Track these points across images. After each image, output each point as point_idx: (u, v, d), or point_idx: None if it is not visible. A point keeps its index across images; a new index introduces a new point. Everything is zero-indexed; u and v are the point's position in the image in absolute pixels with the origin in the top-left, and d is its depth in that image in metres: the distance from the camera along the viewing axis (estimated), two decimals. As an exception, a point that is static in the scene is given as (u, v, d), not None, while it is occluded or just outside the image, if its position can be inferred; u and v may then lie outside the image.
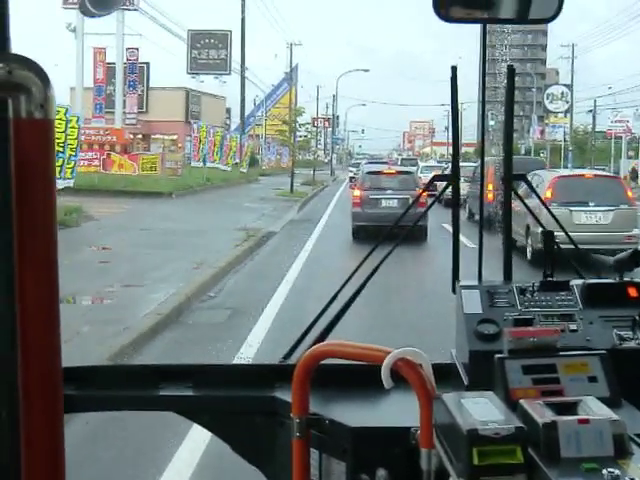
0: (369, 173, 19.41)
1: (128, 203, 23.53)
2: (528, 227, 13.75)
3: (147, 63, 70.26)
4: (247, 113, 74.37)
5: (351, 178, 36.12)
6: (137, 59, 52.49)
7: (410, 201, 17.49)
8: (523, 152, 70.22)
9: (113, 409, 2.13)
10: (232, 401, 1.93)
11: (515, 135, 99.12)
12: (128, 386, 1.95)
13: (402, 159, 67.14)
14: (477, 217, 2.97)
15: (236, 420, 1.91)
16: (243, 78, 48.07)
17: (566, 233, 2.39)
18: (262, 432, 1.86)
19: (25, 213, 0.87)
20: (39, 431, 0.90)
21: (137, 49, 51.77)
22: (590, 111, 68.75)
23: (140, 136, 63.35)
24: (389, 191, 17.70)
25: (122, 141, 43.17)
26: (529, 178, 2.61)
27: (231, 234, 16.90)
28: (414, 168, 32.98)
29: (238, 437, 1.90)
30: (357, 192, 18.20)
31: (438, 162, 56.56)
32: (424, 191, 2.92)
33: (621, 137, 68.67)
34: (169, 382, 1.97)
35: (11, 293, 0.87)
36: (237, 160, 44.06)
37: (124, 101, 49.11)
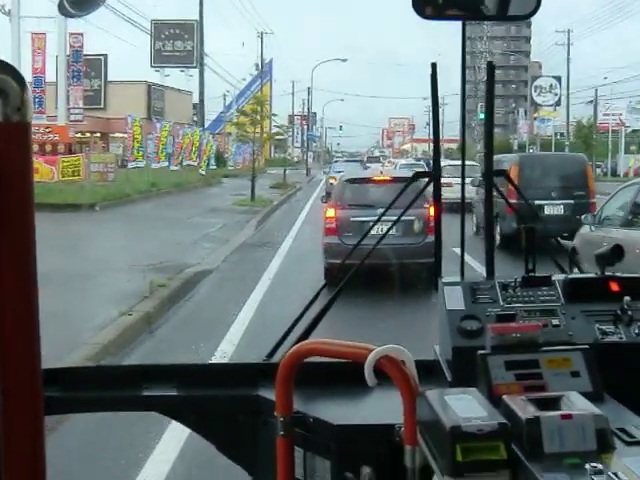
0: (349, 181, 12.30)
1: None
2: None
3: (105, 55, 65.94)
4: (220, 110, 69.11)
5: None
6: (82, 46, 45.97)
7: (416, 225, 11.10)
8: (516, 147, 65.00)
9: (96, 410, 2.09)
10: (216, 400, 1.91)
11: (506, 130, 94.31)
12: (112, 387, 1.93)
13: (368, 157, 61.20)
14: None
15: (220, 419, 1.89)
16: (202, 65, 41.70)
17: (547, 229, 2.43)
18: (246, 431, 1.86)
19: (3, 216, 0.88)
20: (19, 434, 0.90)
21: (82, 34, 45.42)
22: (590, 102, 62.99)
23: (98, 135, 57.85)
24: (381, 210, 11.21)
25: (66, 140, 37.25)
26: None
27: (133, 280, 10.55)
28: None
29: (222, 436, 1.89)
30: (331, 211, 11.53)
31: (416, 160, 50.71)
32: (404, 189, 2.53)
33: (617, 131, 63.79)
34: (152, 382, 1.95)
35: None
36: (198, 160, 37.81)
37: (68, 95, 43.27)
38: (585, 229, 10.34)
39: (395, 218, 11.01)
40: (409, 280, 10.39)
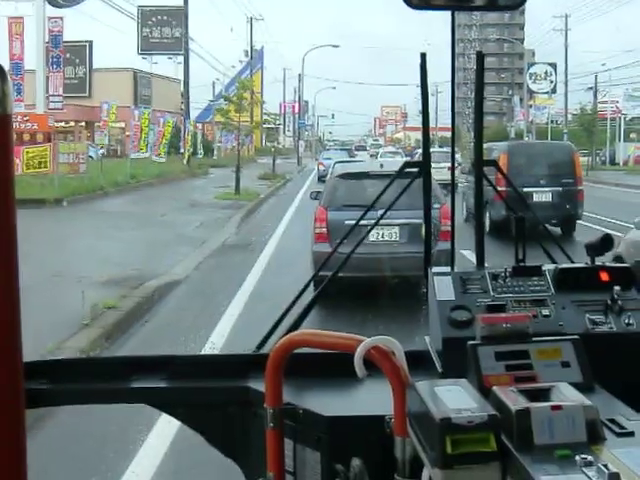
0: (343, 177, 10.12)
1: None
2: None
3: (90, 42, 64.07)
4: (210, 99, 67.43)
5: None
6: (61, 30, 43.87)
7: (423, 230, 9.02)
8: (513, 135, 63.10)
9: (84, 402, 2.03)
10: (205, 392, 1.88)
11: (502, 118, 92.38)
12: (101, 379, 1.89)
13: (356, 146, 59.97)
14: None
15: (210, 411, 1.86)
16: (187, 51, 39.62)
17: (536, 217, 2.43)
18: (236, 423, 1.83)
19: None
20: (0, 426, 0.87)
21: (61, 18, 43.30)
22: (590, 88, 61.07)
23: (83, 124, 55.97)
24: (382, 211, 9.16)
25: (45, 129, 35.18)
26: None
27: (78, 298, 8.53)
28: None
29: (212, 429, 1.87)
30: (321, 212, 9.56)
31: (396, 149, 49.96)
32: (391, 182, 2.34)
33: (615, 119, 61.98)
34: (141, 374, 1.90)
35: None
36: (182, 150, 35.86)
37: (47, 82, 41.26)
38: (635, 234, 8.39)
39: (397, 221, 8.34)
40: (416, 298, 8.40)
